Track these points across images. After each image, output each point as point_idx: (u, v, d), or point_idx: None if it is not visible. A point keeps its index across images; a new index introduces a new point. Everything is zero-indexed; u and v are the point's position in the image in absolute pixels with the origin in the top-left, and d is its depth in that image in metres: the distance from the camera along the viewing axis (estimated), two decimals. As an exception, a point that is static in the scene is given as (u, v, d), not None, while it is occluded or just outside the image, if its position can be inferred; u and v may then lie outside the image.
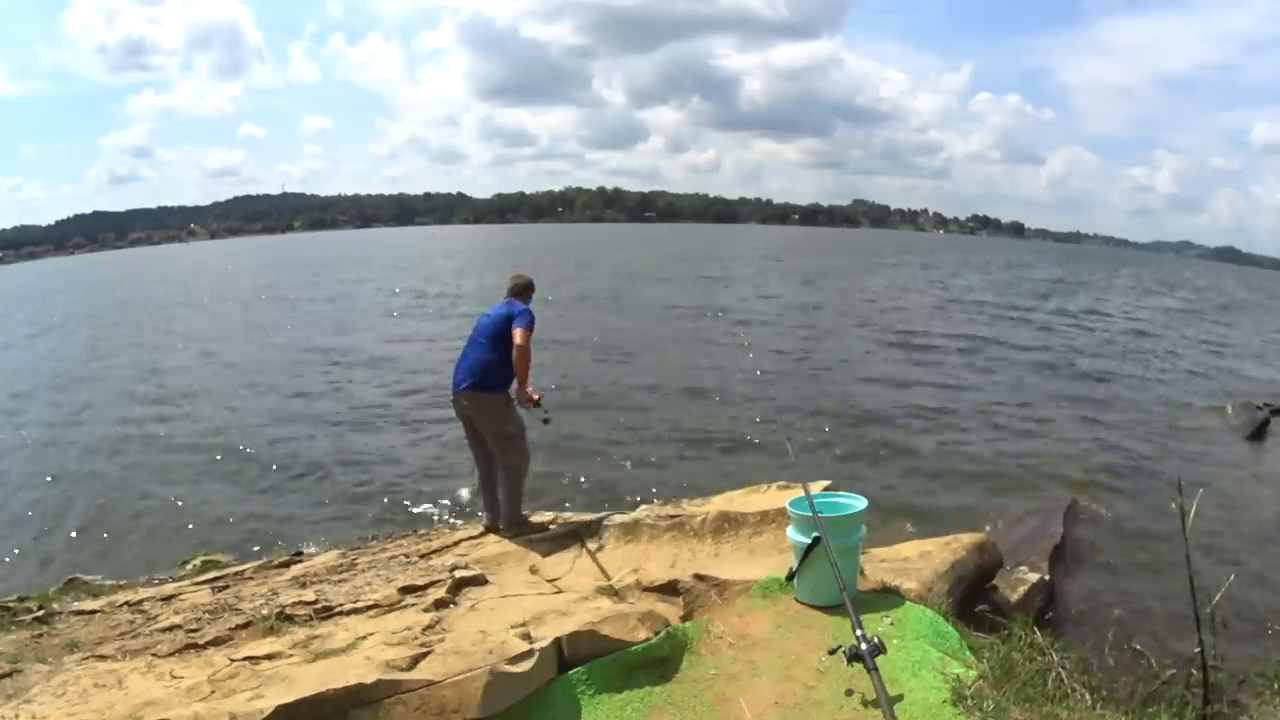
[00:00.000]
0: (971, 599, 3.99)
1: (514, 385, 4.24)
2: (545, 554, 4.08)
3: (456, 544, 4.37)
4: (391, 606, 3.34)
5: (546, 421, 4.20)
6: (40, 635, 3.39)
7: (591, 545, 4.15)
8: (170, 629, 3.30)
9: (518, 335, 4.09)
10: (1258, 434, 9.83)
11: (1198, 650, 3.30)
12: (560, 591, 3.43)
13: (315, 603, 3.42)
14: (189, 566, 5.16)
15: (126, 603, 3.82)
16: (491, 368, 4.19)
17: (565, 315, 19.43)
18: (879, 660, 2.16)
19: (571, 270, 35.02)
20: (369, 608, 3.33)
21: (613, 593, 3.25)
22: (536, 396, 4.23)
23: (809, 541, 2.87)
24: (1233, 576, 4.05)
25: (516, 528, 4.39)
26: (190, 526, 6.91)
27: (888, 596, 3.06)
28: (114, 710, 2.41)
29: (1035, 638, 2.87)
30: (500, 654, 2.51)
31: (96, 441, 9.82)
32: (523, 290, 4.49)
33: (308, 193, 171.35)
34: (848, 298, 25.25)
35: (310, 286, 30.41)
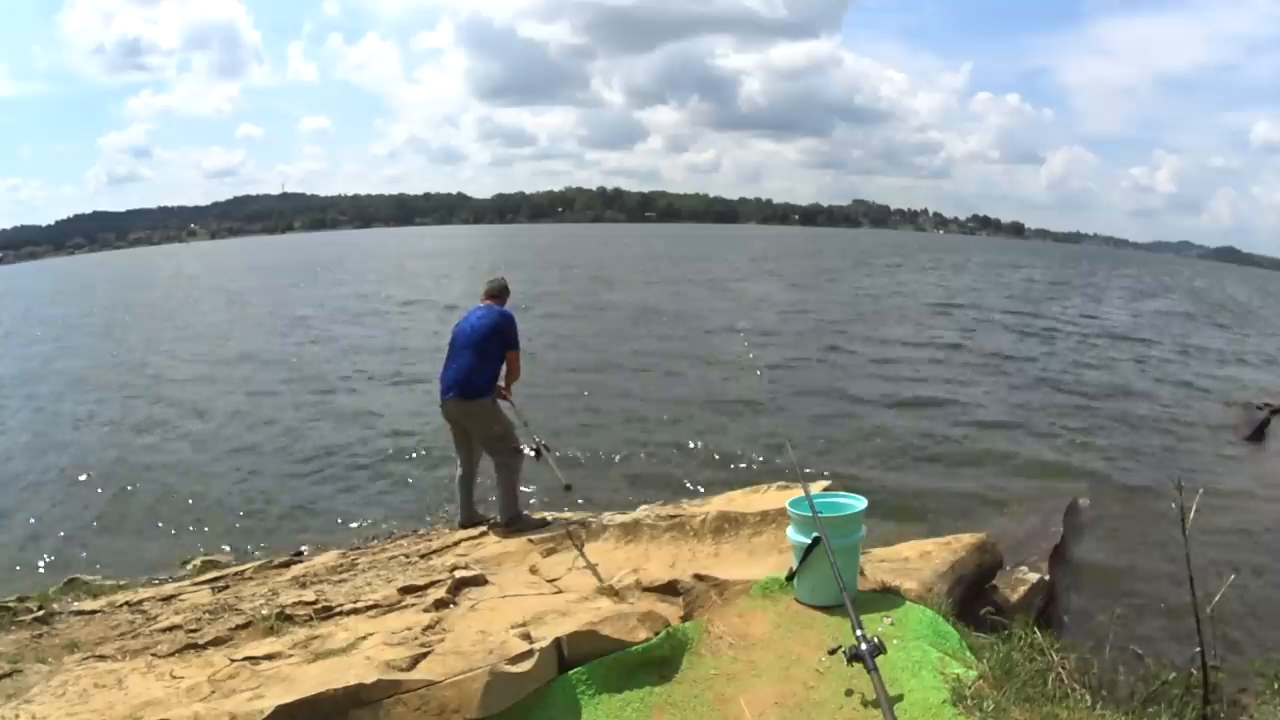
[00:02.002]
0: (971, 599, 3.99)
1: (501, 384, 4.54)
2: (545, 554, 4.08)
3: (456, 544, 4.37)
4: (391, 606, 3.34)
5: (568, 488, 4.32)
6: (40, 635, 3.39)
7: (587, 546, 4.14)
8: (170, 629, 3.31)
9: (513, 359, 4.50)
10: (1258, 434, 9.85)
11: (1198, 650, 3.30)
12: (560, 591, 3.43)
13: (315, 603, 3.42)
14: (189, 566, 5.18)
15: (126, 603, 3.83)
16: (475, 377, 4.39)
17: (562, 316, 19.45)
18: (879, 660, 2.16)
19: (569, 270, 35.04)
20: (369, 608, 3.33)
21: (613, 593, 3.25)
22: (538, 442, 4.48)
23: (809, 541, 2.86)
24: (1233, 577, 4.04)
25: (514, 523, 4.47)
26: (191, 527, 6.91)
27: (888, 596, 3.06)
28: (114, 710, 2.41)
29: (1035, 638, 2.87)
30: (500, 654, 2.51)
31: (96, 443, 9.82)
32: (499, 294, 4.68)
33: (307, 193, 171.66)
34: (844, 300, 25.23)
35: (311, 288, 30.42)
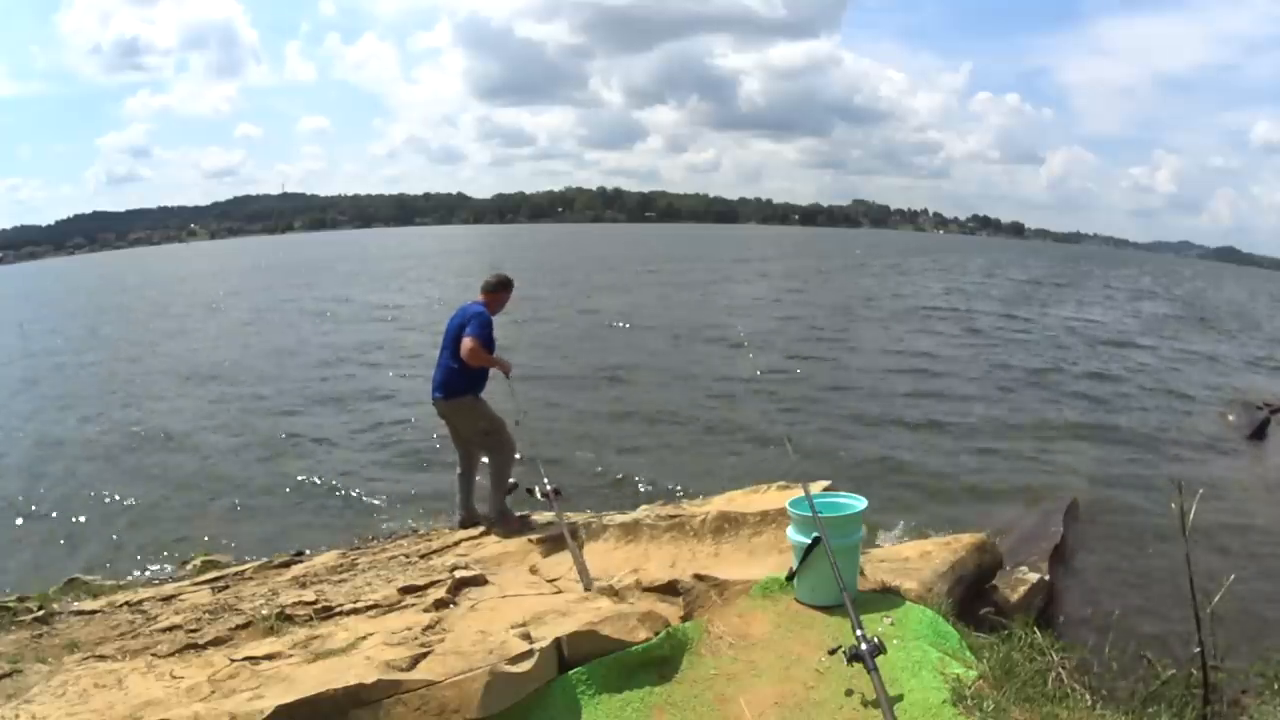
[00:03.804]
0: (971, 599, 3.99)
1: (485, 385, 4.48)
2: (545, 554, 4.08)
3: (456, 544, 4.38)
4: (391, 606, 3.34)
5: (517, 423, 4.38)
6: (40, 635, 3.39)
7: (587, 546, 4.13)
8: (170, 629, 3.30)
9: (465, 345, 4.23)
10: (1258, 434, 9.84)
11: (1198, 650, 3.30)
12: (560, 591, 3.43)
13: (315, 603, 3.42)
14: (189, 566, 5.17)
15: (126, 603, 3.83)
16: (455, 376, 4.40)
17: (560, 316, 19.44)
18: (879, 660, 2.16)
19: (568, 270, 35.03)
20: (369, 608, 3.33)
21: (613, 593, 3.25)
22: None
23: (809, 541, 2.86)
24: (1233, 577, 4.04)
25: (499, 520, 4.52)
26: (190, 526, 6.91)
27: (888, 596, 3.06)
28: (114, 710, 2.41)
29: (1035, 638, 2.87)
30: (500, 654, 2.51)
31: (96, 442, 9.82)
32: (495, 289, 4.57)
33: (307, 193, 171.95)
34: (843, 301, 25.19)
35: (313, 289, 30.42)
